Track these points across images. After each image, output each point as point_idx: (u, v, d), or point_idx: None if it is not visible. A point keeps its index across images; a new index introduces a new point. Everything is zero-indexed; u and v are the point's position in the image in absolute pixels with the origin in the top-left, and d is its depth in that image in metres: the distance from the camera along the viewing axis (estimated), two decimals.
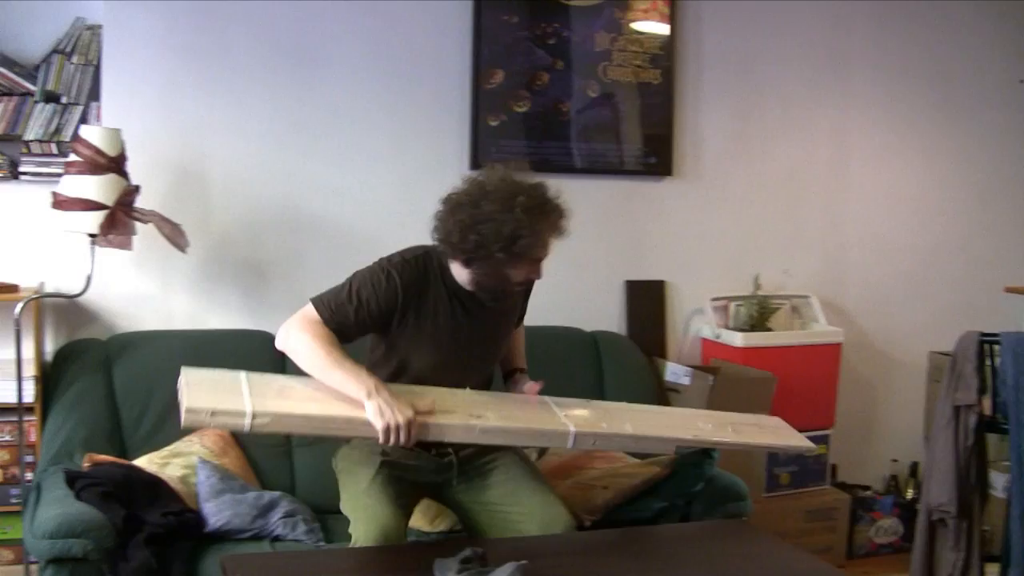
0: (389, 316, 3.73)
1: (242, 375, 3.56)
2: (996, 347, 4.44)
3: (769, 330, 5.64)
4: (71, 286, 4.63)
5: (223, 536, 4.04)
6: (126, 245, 4.46)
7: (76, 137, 4.47)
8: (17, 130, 4.72)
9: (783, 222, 5.91)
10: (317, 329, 3.62)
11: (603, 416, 3.94)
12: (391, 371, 3.79)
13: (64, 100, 4.80)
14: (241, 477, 4.34)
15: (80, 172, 4.35)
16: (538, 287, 5.32)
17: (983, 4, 6.19)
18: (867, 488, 5.95)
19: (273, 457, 4.59)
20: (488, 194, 3.67)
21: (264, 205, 5.06)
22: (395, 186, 5.24)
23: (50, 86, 4.78)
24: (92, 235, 4.39)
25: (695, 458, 4.40)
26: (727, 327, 5.63)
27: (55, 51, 4.80)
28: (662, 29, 5.53)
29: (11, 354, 4.43)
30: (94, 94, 4.82)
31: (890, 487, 6.02)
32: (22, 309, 4.40)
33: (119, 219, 4.38)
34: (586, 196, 5.48)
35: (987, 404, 4.48)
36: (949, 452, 4.49)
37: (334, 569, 3.53)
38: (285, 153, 5.08)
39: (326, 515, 4.25)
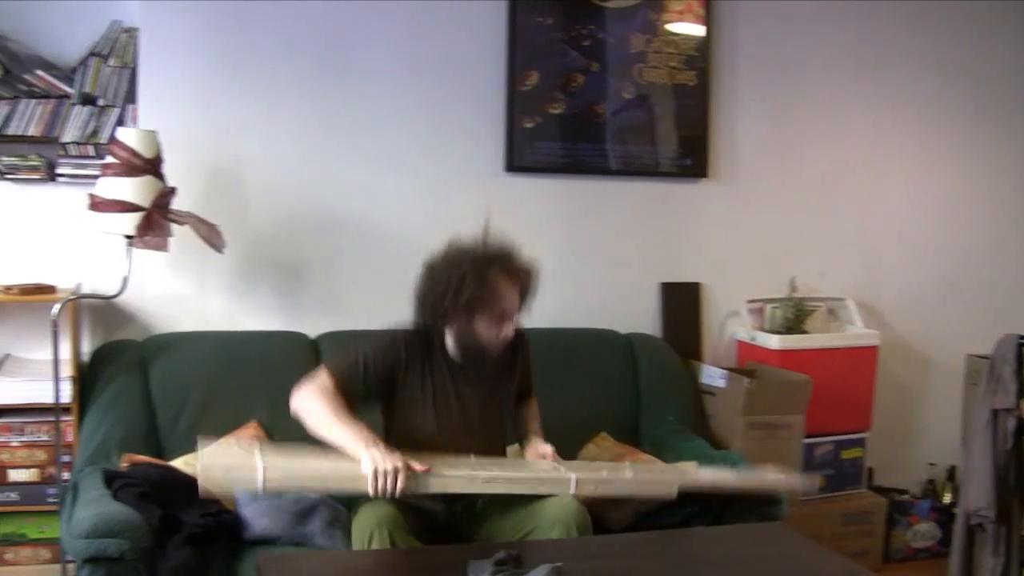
0: (393, 377, 3.91)
1: (256, 445, 3.79)
2: None
3: (805, 332, 5.61)
4: (108, 287, 4.65)
5: (263, 541, 4.03)
6: (162, 246, 4.47)
7: (113, 139, 4.48)
8: (54, 132, 4.75)
9: (819, 224, 5.88)
10: (326, 390, 3.81)
11: (603, 467, 4.13)
12: (398, 439, 3.87)
13: (101, 103, 4.82)
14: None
15: (117, 174, 4.36)
16: (574, 289, 5.38)
17: (1019, 4, 6.15)
18: (904, 492, 5.91)
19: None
20: (445, 255, 3.91)
21: (299, 207, 5.07)
22: (430, 188, 5.24)
23: (87, 89, 4.80)
24: (128, 237, 4.41)
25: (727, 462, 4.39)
26: (763, 329, 5.61)
27: (92, 54, 4.83)
28: (697, 30, 5.51)
29: (48, 355, 4.46)
30: (131, 96, 4.85)
31: (927, 491, 5.98)
32: (59, 310, 4.42)
33: (155, 221, 4.40)
34: (621, 198, 5.49)
35: None
36: (987, 456, 4.46)
37: (368, 570, 3.53)
38: (320, 155, 5.09)
39: None
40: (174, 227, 4.52)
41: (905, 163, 6.03)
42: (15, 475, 4.52)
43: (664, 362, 5.31)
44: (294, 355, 4.82)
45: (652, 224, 5.59)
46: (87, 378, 4.60)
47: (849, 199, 5.95)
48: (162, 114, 4.80)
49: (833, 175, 5.90)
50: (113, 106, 4.82)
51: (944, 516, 5.76)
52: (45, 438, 4.52)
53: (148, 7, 4.82)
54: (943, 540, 5.71)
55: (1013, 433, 4.43)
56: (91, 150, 4.77)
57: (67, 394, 4.49)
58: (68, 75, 4.80)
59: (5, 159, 4.71)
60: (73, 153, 4.77)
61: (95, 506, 3.80)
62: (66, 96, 4.78)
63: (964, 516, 4.56)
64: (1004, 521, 4.47)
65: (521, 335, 4.22)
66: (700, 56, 5.54)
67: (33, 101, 4.74)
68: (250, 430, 4.53)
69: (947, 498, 5.89)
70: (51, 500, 4.53)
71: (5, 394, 4.47)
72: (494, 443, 4.14)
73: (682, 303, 5.63)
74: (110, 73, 4.82)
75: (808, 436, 5.25)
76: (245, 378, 4.68)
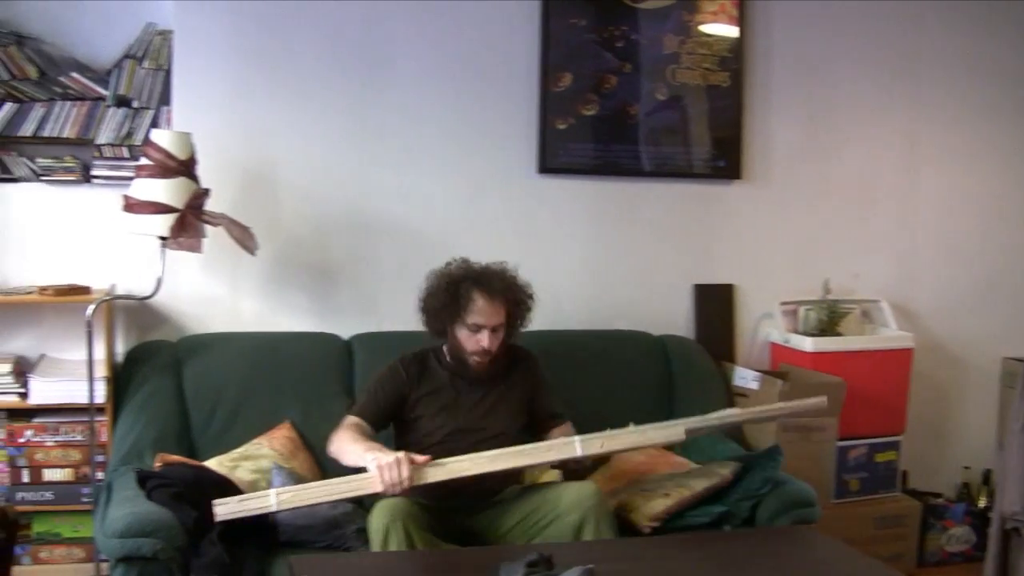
0: (402, 396, 4.30)
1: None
2: None
3: (839, 335, 5.59)
4: (142, 288, 4.67)
5: (298, 544, 4.06)
6: (196, 248, 4.49)
7: (147, 141, 4.50)
8: (89, 134, 4.78)
9: (853, 226, 5.85)
10: (348, 426, 4.19)
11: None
12: (411, 448, 4.05)
13: (135, 104, 4.85)
14: (312, 478, 4.35)
15: (151, 175, 4.38)
16: (607, 291, 5.39)
17: None
18: (938, 495, 5.87)
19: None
20: (436, 273, 4.41)
21: (332, 208, 5.08)
22: (463, 189, 5.24)
23: (122, 91, 4.83)
24: (162, 238, 4.42)
25: (760, 463, 4.38)
26: (796, 332, 5.59)
27: (127, 56, 4.85)
28: (731, 31, 5.50)
29: (83, 355, 4.48)
30: (165, 98, 4.87)
31: (962, 495, 5.94)
32: (94, 311, 4.44)
33: (189, 222, 4.41)
34: (654, 200, 5.48)
35: None
36: (1023, 459, 4.43)
37: (399, 572, 3.54)
38: (353, 156, 5.10)
39: None
40: (208, 228, 4.54)
41: (942, 164, 5.99)
42: (50, 475, 4.55)
43: (697, 364, 5.29)
44: (327, 356, 4.84)
45: (685, 226, 5.57)
46: (121, 378, 4.63)
47: (884, 200, 5.91)
48: (196, 116, 4.82)
49: (868, 176, 5.87)
50: (147, 108, 4.85)
51: (979, 520, 5.72)
52: (79, 438, 4.55)
53: (182, 8, 4.85)
54: (978, 544, 5.67)
55: None
56: (125, 152, 4.80)
57: (101, 394, 4.51)
58: (103, 77, 4.83)
59: (41, 161, 4.74)
60: (108, 155, 4.80)
61: (129, 506, 3.83)
62: (101, 98, 4.81)
63: (999, 520, 4.51)
64: None
65: (527, 357, 4.53)
66: (733, 57, 5.52)
67: (68, 103, 4.77)
68: (283, 431, 4.55)
69: (982, 502, 5.84)
70: (85, 500, 4.56)
71: (40, 394, 4.51)
72: (504, 445, 4.21)
73: (715, 305, 5.61)
74: (144, 75, 4.85)
75: (842, 439, 5.23)
76: (278, 379, 4.70)
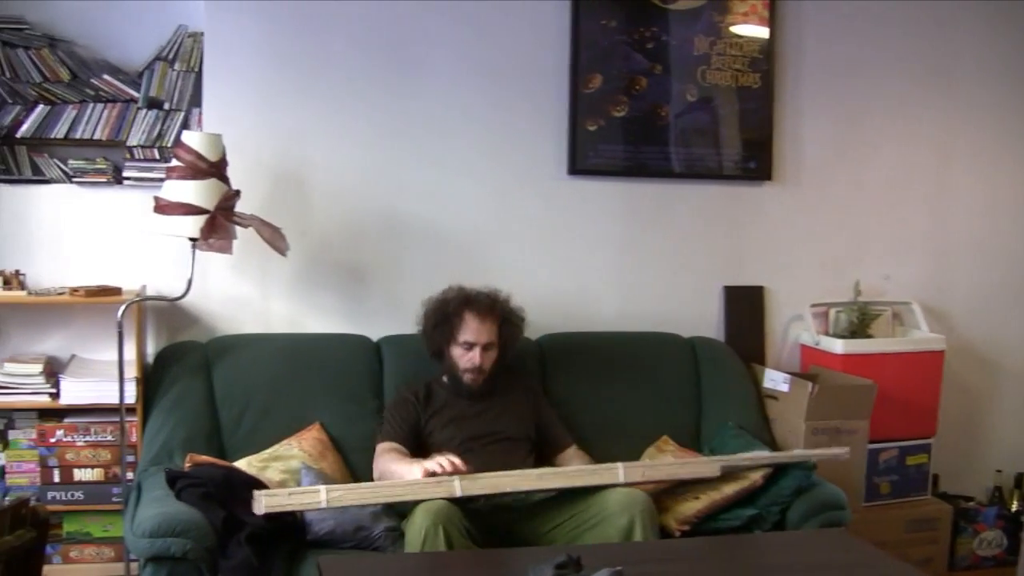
0: (417, 417, 4.51)
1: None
2: None
3: (870, 337, 5.56)
4: (172, 289, 4.69)
5: (325, 543, 4.07)
6: (226, 249, 4.50)
7: (178, 142, 4.52)
8: (120, 136, 4.80)
9: (884, 227, 5.82)
10: (384, 449, 4.40)
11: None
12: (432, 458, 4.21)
13: (166, 106, 4.87)
14: (341, 482, 4.36)
15: (181, 177, 4.40)
16: (637, 293, 5.39)
17: None
18: (970, 499, 5.83)
19: (371, 462, 4.54)
20: (432, 299, 4.66)
21: (362, 209, 5.08)
22: (493, 191, 5.24)
23: (153, 93, 4.85)
24: (193, 239, 4.43)
25: (792, 472, 4.38)
26: (827, 334, 5.56)
27: (158, 58, 4.87)
28: (761, 32, 5.48)
29: (113, 355, 4.51)
30: (196, 100, 4.89)
31: (994, 498, 5.89)
32: (125, 311, 4.46)
33: (219, 223, 4.42)
34: (684, 201, 5.47)
35: None
36: None
37: (428, 572, 3.54)
38: (384, 158, 5.10)
39: None
40: (238, 230, 4.55)
41: (974, 166, 5.94)
42: (80, 474, 4.57)
43: (727, 366, 5.28)
44: (356, 357, 4.85)
45: (715, 227, 5.56)
46: (151, 379, 4.65)
47: (916, 202, 5.88)
48: (227, 117, 4.84)
49: (899, 178, 5.83)
50: (178, 110, 4.87)
51: (1011, 524, 5.68)
52: (110, 438, 4.57)
53: (213, 10, 4.86)
54: (1010, 548, 5.64)
55: None
56: (156, 153, 4.82)
57: (132, 395, 4.53)
58: (134, 79, 4.86)
59: (73, 162, 4.77)
60: (139, 156, 4.82)
61: (158, 506, 3.85)
62: (132, 100, 4.83)
63: None
64: None
65: (530, 384, 4.80)
66: (764, 58, 5.50)
67: (100, 105, 4.80)
68: (312, 432, 4.56)
69: (1014, 506, 5.81)
70: (115, 499, 4.59)
71: (71, 394, 4.53)
72: (516, 450, 4.46)
73: (745, 307, 5.60)
74: (175, 77, 4.87)
75: (873, 442, 5.21)
76: (308, 380, 4.71)
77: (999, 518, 5.72)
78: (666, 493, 4.35)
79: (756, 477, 4.37)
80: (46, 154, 4.79)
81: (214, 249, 4.48)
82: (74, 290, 4.59)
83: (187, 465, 4.26)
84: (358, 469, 4.54)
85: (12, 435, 4.61)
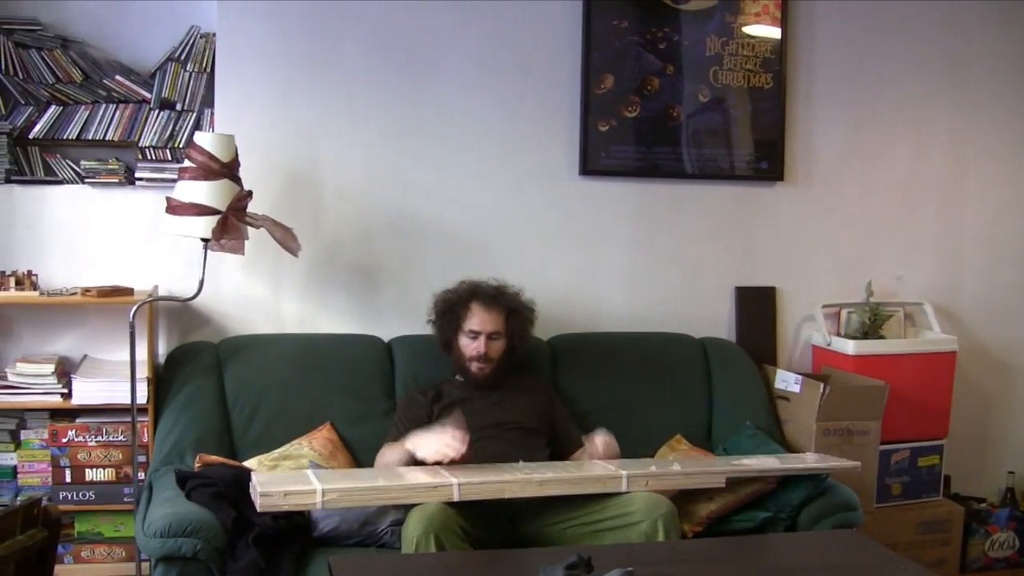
0: (424, 415, 4.46)
1: (309, 471, 4.11)
2: None
3: (882, 337, 5.56)
4: (184, 289, 4.70)
5: (331, 541, 4.08)
6: (238, 249, 4.51)
7: (190, 143, 4.52)
8: (133, 137, 4.82)
9: (897, 228, 5.81)
10: (385, 445, 4.38)
11: (650, 463, 4.41)
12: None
13: (178, 107, 4.88)
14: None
15: (193, 177, 4.40)
16: (648, 294, 5.38)
17: None
18: (982, 500, 5.82)
19: None
20: (442, 290, 4.71)
21: (375, 210, 5.09)
22: (505, 191, 5.24)
23: (165, 93, 4.86)
24: (205, 239, 4.44)
25: (803, 481, 4.38)
26: (838, 334, 5.56)
27: (170, 59, 4.88)
28: (773, 33, 5.47)
29: (125, 356, 4.52)
30: (208, 101, 4.90)
31: (1006, 500, 5.88)
32: (136, 312, 4.47)
33: (231, 224, 4.43)
34: (696, 202, 5.46)
35: None
36: None
37: (437, 572, 3.54)
38: (396, 158, 5.11)
39: None
40: (250, 230, 4.55)
41: (987, 166, 5.93)
42: (92, 474, 4.58)
43: (738, 367, 5.27)
44: (368, 358, 4.85)
45: (727, 228, 5.55)
46: (163, 379, 4.66)
47: (928, 203, 5.87)
48: (239, 118, 4.85)
49: (912, 178, 5.82)
50: (190, 110, 4.88)
51: (1023, 526, 5.67)
52: (121, 438, 4.58)
53: (225, 11, 4.87)
54: (1022, 550, 5.64)
55: None
56: (168, 154, 4.83)
57: (143, 395, 4.54)
58: (147, 80, 4.87)
59: (85, 163, 4.78)
60: (151, 157, 4.84)
61: (169, 506, 3.86)
62: (144, 101, 4.84)
63: None
64: None
65: (543, 384, 4.80)
66: (776, 58, 5.49)
67: (112, 106, 4.81)
68: (323, 432, 4.56)
69: None
70: (127, 499, 4.60)
71: (83, 395, 4.54)
72: (532, 439, 4.45)
73: (757, 307, 5.59)
74: (188, 78, 4.87)
75: (884, 443, 5.20)
76: (319, 380, 4.72)
77: (1011, 519, 5.71)
78: (679, 494, 4.34)
79: (770, 478, 4.37)
80: (58, 155, 4.80)
81: (226, 249, 4.49)
82: (86, 290, 4.60)
83: (198, 465, 4.27)
84: (369, 467, 4.53)
85: (24, 435, 4.62)
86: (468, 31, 5.15)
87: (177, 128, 4.85)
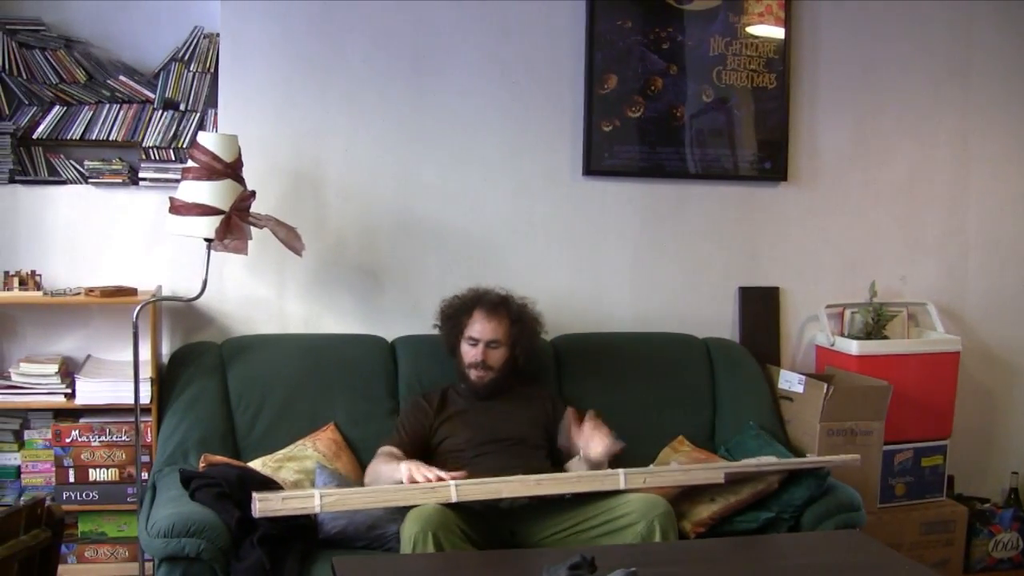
0: (427, 425, 4.49)
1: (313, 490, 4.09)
2: None
3: (885, 338, 5.55)
4: (187, 290, 4.71)
5: (337, 543, 4.08)
6: (242, 250, 4.51)
7: (193, 143, 4.52)
8: (136, 137, 4.82)
9: (900, 228, 5.81)
10: (380, 452, 4.37)
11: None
12: (443, 464, 4.24)
13: (182, 107, 4.88)
14: (355, 482, 4.36)
15: (197, 178, 4.40)
16: (652, 294, 5.38)
17: None
18: (986, 501, 5.81)
19: None
20: (448, 299, 4.72)
21: (378, 210, 5.09)
22: (509, 191, 5.24)
23: (169, 94, 4.86)
24: (208, 240, 4.44)
25: (806, 480, 4.37)
26: (842, 335, 5.55)
27: (174, 59, 4.88)
28: (777, 33, 5.47)
29: (129, 356, 4.53)
30: (211, 101, 4.90)
31: (1010, 500, 5.88)
32: (140, 312, 4.47)
33: (235, 224, 4.43)
34: (700, 202, 5.46)
35: None
36: None
37: (442, 573, 3.54)
38: (400, 159, 5.11)
39: None
40: (254, 230, 4.56)
41: (991, 166, 5.92)
42: (95, 474, 4.59)
43: (742, 367, 5.27)
44: (372, 358, 4.85)
45: (731, 228, 5.55)
46: (166, 379, 4.66)
47: (932, 203, 5.86)
48: (242, 118, 4.85)
49: (916, 178, 5.82)
50: (194, 111, 4.88)
51: None
52: (125, 438, 4.58)
53: (229, 11, 4.87)
54: None
55: None
56: (172, 154, 4.84)
57: (147, 395, 4.54)
58: (150, 80, 4.87)
59: (88, 163, 4.79)
60: (155, 157, 4.84)
61: (173, 506, 3.86)
62: (148, 101, 4.85)
63: None
64: None
65: (550, 394, 4.77)
66: (780, 59, 5.49)
67: (116, 106, 4.82)
68: (327, 432, 4.57)
69: None
70: (130, 499, 4.60)
71: (87, 395, 4.54)
72: (532, 454, 4.42)
73: (760, 308, 5.59)
74: (191, 78, 4.88)
75: (888, 443, 5.19)
76: (323, 380, 4.72)
77: (1015, 520, 5.70)
78: (681, 495, 4.34)
79: (772, 479, 4.37)
80: (62, 155, 4.81)
81: (229, 250, 4.49)
82: (90, 290, 4.60)
83: (201, 465, 4.27)
84: None
85: (28, 435, 4.63)
86: (471, 32, 5.15)
87: (181, 128, 4.85)
